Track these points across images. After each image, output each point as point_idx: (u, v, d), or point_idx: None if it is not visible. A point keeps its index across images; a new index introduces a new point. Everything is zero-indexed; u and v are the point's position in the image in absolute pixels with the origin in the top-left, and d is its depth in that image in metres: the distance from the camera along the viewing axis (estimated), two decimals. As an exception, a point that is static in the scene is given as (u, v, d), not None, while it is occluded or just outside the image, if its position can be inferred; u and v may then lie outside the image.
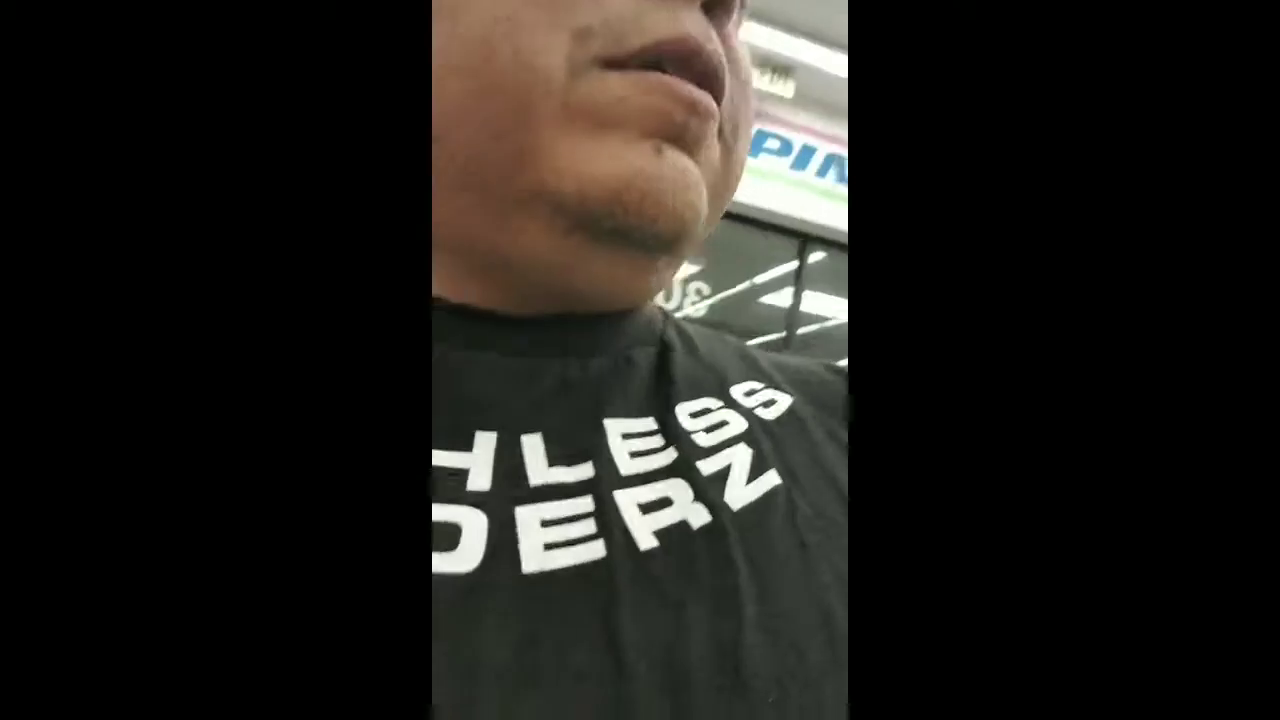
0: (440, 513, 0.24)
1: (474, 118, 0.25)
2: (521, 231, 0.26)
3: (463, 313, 0.28)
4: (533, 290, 0.29)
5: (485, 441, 0.26)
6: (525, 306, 0.29)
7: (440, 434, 0.25)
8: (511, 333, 0.29)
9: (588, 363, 0.29)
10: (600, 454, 0.27)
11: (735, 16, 0.29)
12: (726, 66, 0.27)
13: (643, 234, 0.26)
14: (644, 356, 0.31)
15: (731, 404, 0.31)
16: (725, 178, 0.29)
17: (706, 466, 0.28)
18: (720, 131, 0.28)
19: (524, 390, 0.28)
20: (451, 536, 0.23)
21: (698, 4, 0.26)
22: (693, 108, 0.25)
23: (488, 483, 0.25)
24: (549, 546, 0.24)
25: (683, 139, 0.26)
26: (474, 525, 0.24)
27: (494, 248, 0.27)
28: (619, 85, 0.25)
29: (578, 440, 0.27)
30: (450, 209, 0.26)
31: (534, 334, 0.29)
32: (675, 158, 0.25)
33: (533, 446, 0.26)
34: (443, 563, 0.23)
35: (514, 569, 0.23)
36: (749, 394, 0.33)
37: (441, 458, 0.25)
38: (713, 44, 0.26)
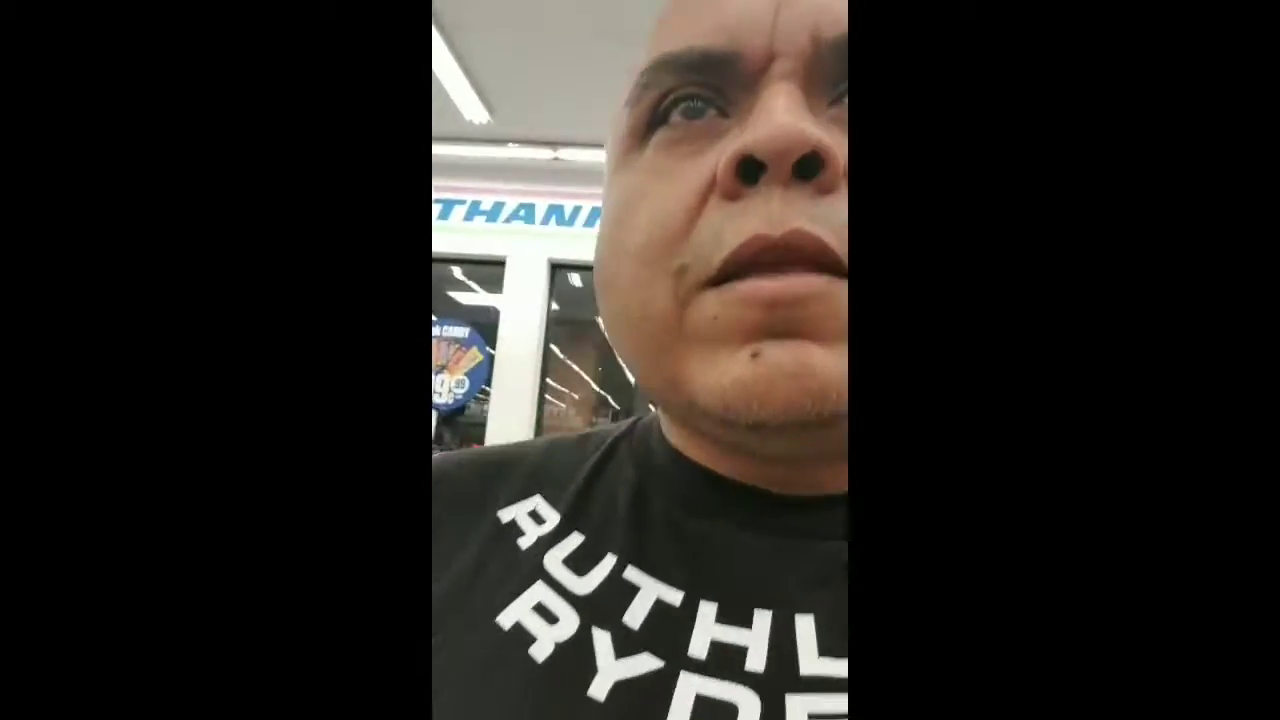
0: (720, 689, 0.27)
1: (634, 355, 0.32)
2: (709, 429, 0.31)
3: (738, 489, 0.33)
4: (781, 471, 0.32)
5: (762, 620, 0.29)
6: (791, 487, 0.32)
7: (720, 608, 0.29)
8: (786, 512, 0.32)
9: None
10: None
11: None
12: (839, 215, 0.27)
13: (771, 425, 0.27)
14: None
15: None
16: None
17: None
18: None
19: (800, 570, 0.30)
20: (729, 716, 0.27)
21: (776, 194, 0.27)
22: (772, 304, 0.27)
23: (762, 664, 0.28)
24: None
25: (785, 329, 0.27)
26: (749, 706, 0.27)
27: (716, 439, 0.32)
28: (712, 304, 0.28)
29: (845, 629, 0.28)
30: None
31: (808, 514, 0.32)
32: (776, 353, 0.27)
33: (805, 631, 0.29)
34: None
35: None
36: None
37: (722, 632, 0.29)
38: (788, 225, 0.27)
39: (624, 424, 0.41)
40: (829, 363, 0.27)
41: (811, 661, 0.28)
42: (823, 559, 0.30)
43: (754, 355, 0.27)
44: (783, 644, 0.28)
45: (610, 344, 0.34)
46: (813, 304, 0.27)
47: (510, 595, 0.32)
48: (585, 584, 0.32)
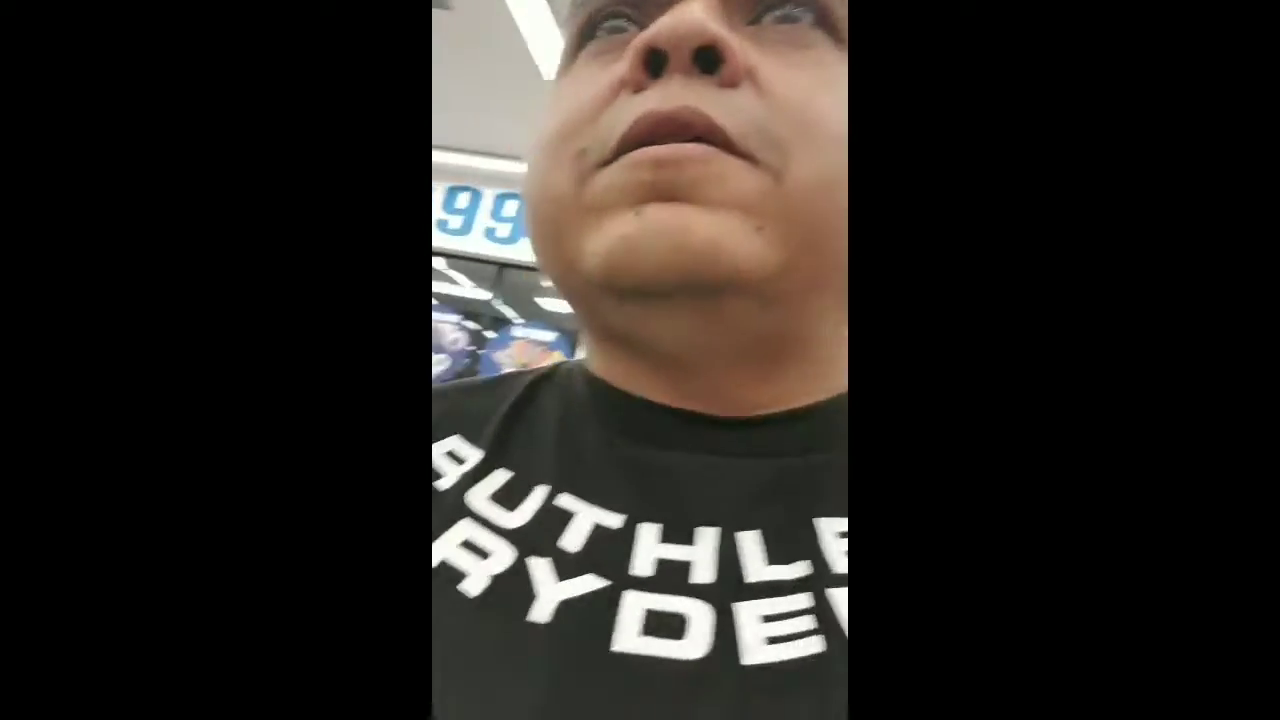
0: (667, 603, 0.27)
1: (540, 240, 0.33)
2: (604, 313, 0.32)
3: (678, 415, 0.33)
4: (703, 387, 0.32)
5: (707, 537, 0.29)
6: (719, 407, 0.32)
7: (665, 529, 0.29)
8: (725, 433, 0.32)
9: (807, 459, 0.32)
10: (815, 553, 0.29)
11: (785, 34, 0.31)
12: (734, 102, 0.28)
13: (652, 286, 0.28)
14: None
15: None
16: (786, 198, 0.28)
17: None
18: (750, 157, 0.28)
19: (742, 488, 0.31)
20: (678, 626, 0.26)
21: (675, 79, 0.28)
22: (659, 163, 0.28)
23: (711, 576, 0.28)
24: (770, 640, 0.26)
25: (669, 193, 0.28)
26: (699, 616, 0.27)
27: (615, 332, 0.33)
28: (606, 176, 0.29)
29: (793, 539, 0.29)
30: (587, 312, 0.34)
31: (740, 433, 0.32)
32: (657, 212, 0.28)
33: (750, 546, 0.29)
34: (670, 649, 0.26)
35: (735, 661, 0.25)
36: None
37: (666, 550, 0.29)
38: (680, 102, 0.28)
39: (540, 368, 0.40)
40: (709, 223, 0.27)
41: (759, 570, 0.28)
42: (760, 476, 0.31)
43: (636, 214, 0.28)
44: (728, 557, 0.28)
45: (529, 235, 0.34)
46: (696, 167, 0.27)
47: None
48: (516, 517, 0.31)
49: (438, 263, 4.08)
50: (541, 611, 0.27)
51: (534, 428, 0.35)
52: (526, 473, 0.33)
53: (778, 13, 0.31)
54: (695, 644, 0.26)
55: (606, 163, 0.29)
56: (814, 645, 0.26)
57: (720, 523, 0.29)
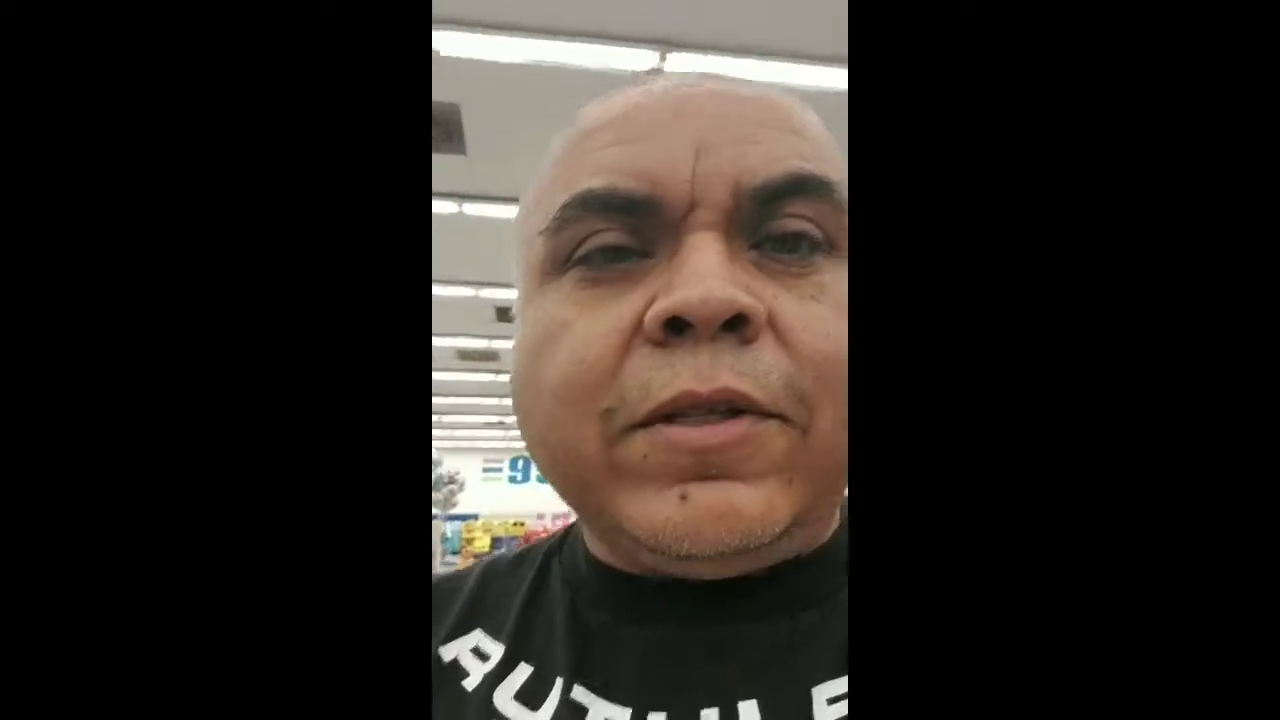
0: None
1: (560, 484, 0.33)
2: (634, 552, 0.32)
3: (678, 588, 0.33)
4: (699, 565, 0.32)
5: (710, 718, 0.31)
6: (722, 570, 0.33)
7: (669, 716, 0.31)
8: (711, 601, 0.33)
9: (797, 619, 0.33)
10: None
11: (812, 282, 0.31)
12: (761, 364, 0.29)
13: (699, 558, 0.29)
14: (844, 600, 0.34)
15: None
16: (812, 450, 0.30)
17: None
18: (781, 416, 0.29)
19: (741, 658, 0.32)
20: None
21: (703, 348, 0.29)
22: (702, 452, 0.29)
23: None
24: None
25: (710, 474, 0.29)
26: None
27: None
28: (641, 444, 0.30)
29: (788, 711, 0.31)
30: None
31: (731, 597, 0.33)
32: (705, 494, 0.29)
33: (750, 716, 0.31)
34: None
35: None
36: None
37: None
38: (716, 384, 0.28)
39: (557, 536, 0.42)
40: (753, 500, 0.29)
41: None
42: (755, 642, 0.33)
43: (683, 498, 0.29)
44: None
45: (531, 459, 0.35)
46: (737, 449, 0.29)
47: None
48: (539, 717, 0.33)
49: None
50: None
51: (549, 614, 0.37)
52: (544, 667, 0.35)
53: (776, 240, 0.31)
54: None
55: (639, 424, 0.30)
56: None
57: (721, 702, 0.31)
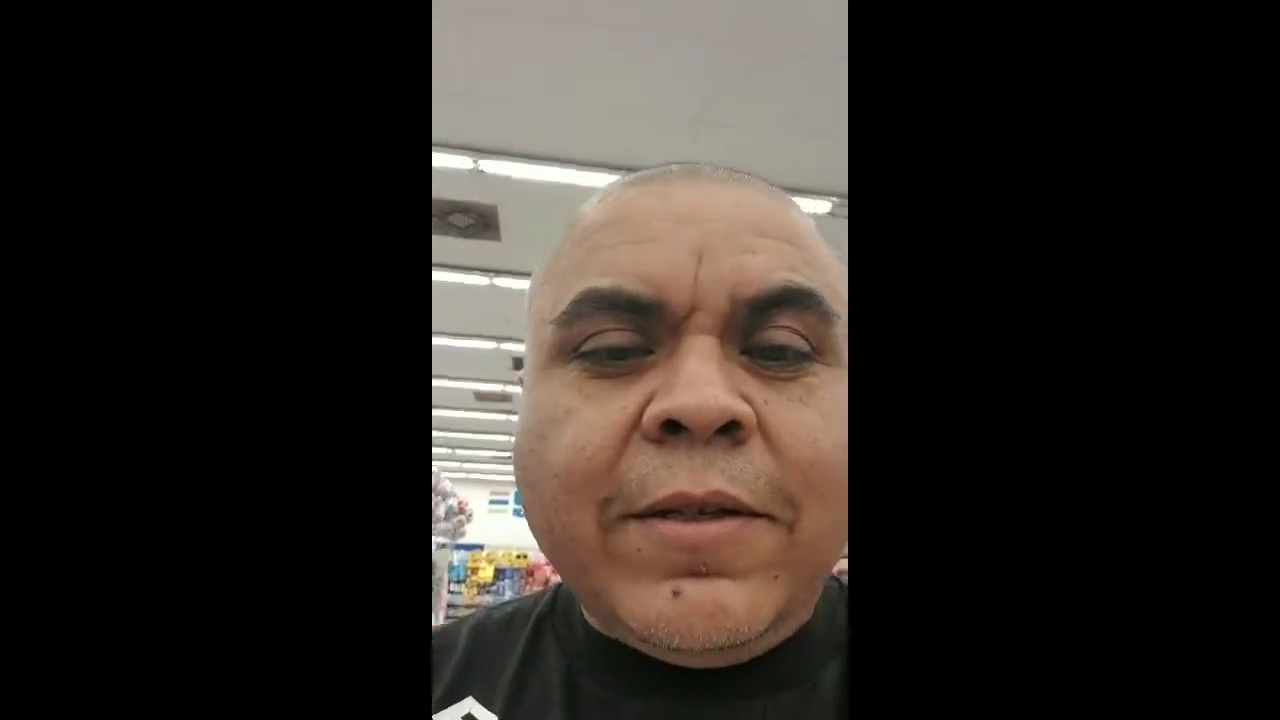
0: None
1: (558, 559, 0.34)
2: (627, 636, 0.35)
3: (661, 666, 0.36)
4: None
5: None
6: (710, 662, 0.35)
7: None
8: (707, 682, 0.36)
9: (780, 698, 0.36)
10: None
11: (807, 384, 0.33)
12: (752, 467, 0.31)
13: (690, 652, 0.31)
14: (829, 675, 0.37)
15: None
16: (798, 548, 0.32)
17: None
18: (769, 515, 0.31)
19: None
20: None
21: (698, 451, 0.31)
22: (694, 549, 0.31)
23: None
24: None
25: (700, 570, 0.31)
26: None
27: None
28: (636, 536, 0.32)
29: None
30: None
31: (728, 679, 0.35)
32: (696, 591, 0.31)
33: None
34: None
35: None
36: None
37: None
38: (709, 487, 0.31)
39: (545, 599, 0.44)
40: (741, 598, 0.31)
41: None
42: (751, 717, 0.35)
43: (675, 594, 0.31)
44: None
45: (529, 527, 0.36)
46: (727, 547, 0.31)
47: None
48: None
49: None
50: None
51: (543, 682, 0.38)
52: None
53: (767, 348, 0.33)
54: None
55: (631, 515, 0.32)
56: None
57: None
